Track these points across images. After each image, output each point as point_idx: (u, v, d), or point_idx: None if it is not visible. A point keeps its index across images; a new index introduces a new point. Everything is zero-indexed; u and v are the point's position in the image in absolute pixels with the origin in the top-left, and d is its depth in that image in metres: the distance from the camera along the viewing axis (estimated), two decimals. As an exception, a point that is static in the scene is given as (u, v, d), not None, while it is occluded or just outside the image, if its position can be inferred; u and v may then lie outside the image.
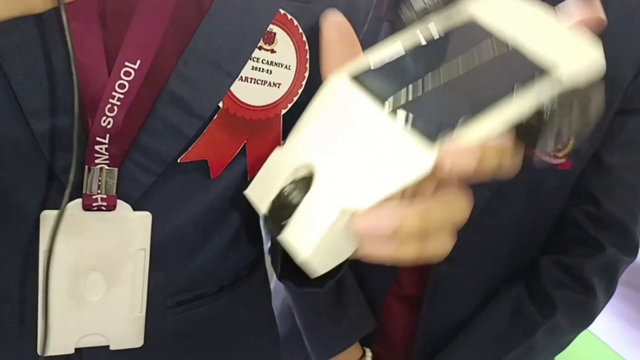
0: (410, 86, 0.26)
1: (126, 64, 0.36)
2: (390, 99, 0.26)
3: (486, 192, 0.64)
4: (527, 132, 0.25)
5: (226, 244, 0.44)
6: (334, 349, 0.74)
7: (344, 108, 0.26)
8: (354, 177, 0.25)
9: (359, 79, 0.27)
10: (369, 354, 0.77)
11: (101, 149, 0.36)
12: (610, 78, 0.62)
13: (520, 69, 0.26)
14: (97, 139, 0.36)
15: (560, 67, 0.25)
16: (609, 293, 0.69)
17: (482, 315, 0.69)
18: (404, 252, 0.25)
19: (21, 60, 0.33)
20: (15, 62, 0.33)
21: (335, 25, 0.29)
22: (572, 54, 0.26)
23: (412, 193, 0.28)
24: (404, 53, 0.27)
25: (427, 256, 0.26)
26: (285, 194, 0.26)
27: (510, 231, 0.69)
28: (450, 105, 0.25)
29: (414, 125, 0.25)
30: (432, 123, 0.25)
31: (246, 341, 0.49)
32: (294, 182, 0.26)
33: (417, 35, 0.28)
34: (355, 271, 0.76)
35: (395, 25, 0.53)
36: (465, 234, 0.67)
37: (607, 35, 0.62)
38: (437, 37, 0.28)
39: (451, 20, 0.28)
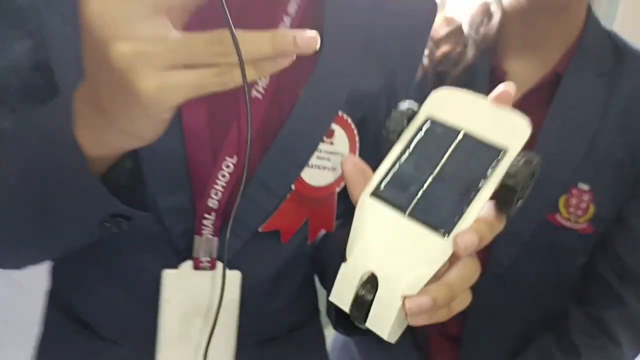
0: (414, 189, 0.36)
1: (226, 158, 0.48)
2: (405, 204, 0.36)
3: (512, 250, 0.74)
4: (501, 201, 0.36)
5: (294, 293, 0.55)
6: None
7: (376, 220, 0.37)
8: (402, 272, 0.35)
9: (377, 194, 0.37)
10: None
11: (207, 223, 0.48)
12: (636, 146, 0.73)
13: (483, 153, 0.36)
14: (205, 215, 0.48)
15: (510, 141, 0.35)
16: (637, 345, 0.75)
17: (516, 358, 0.78)
18: (438, 316, 0.36)
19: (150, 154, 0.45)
20: (146, 156, 0.45)
21: (351, 163, 0.40)
22: (511, 127, 0.36)
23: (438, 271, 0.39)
24: (397, 165, 0.37)
25: (454, 313, 0.37)
26: (360, 296, 0.36)
27: (535, 285, 0.77)
28: (447, 198, 0.35)
29: (427, 222, 0.35)
30: (441, 216, 0.35)
31: None
32: (362, 286, 0.36)
33: (400, 148, 0.38)
34: None
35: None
36: (493, 285, 0.77)
37: (628, 109, 0.73)
38: (415, 143, 0.38)
39: (418, 126, 0.38)
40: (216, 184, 0.48)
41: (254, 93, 0.49)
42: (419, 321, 0.35)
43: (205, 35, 0.30)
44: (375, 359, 0.85)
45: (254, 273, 0.52)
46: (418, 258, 0.35)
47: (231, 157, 0.48)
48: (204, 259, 0.49)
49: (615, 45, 0.76)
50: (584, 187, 0.73)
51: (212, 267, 0.49)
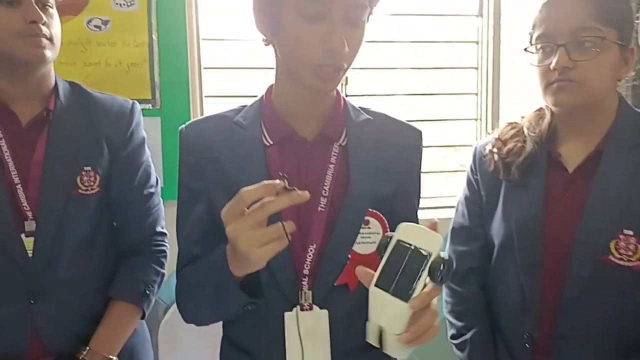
0: (392, 279, 0.69)
1: (310, 246, 0.88)
2: (389, 287, 0.69)
3: (577, 283, 0.93)
4: (432, 277, 0.66)
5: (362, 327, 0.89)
6: None
7: (378, 300, 0.70)
8: (393, 324, 0.70)
9: (376, 284, 0.70)
10: None
11: (304, 283, 0.87)
12: None
13: (421, 257, 0.67)
14: (302, 280, 0.87)
15: (432, 249, 0.67)
16: None
17: None
18: (418, 342, 0.68)
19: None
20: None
21: (361, 269, 0.73)
22: (433, 241, 0.68)
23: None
24: (383, 268, 0.70)
25: (428, 341, 0.70)
26: (380, 337, 0.72)
27: (606, 316, 0.94)
28: (406, 282, 0.67)
29: (399, 295, 0.67)
30: (405, 292, 0.67)
31: None
32: (379, 334, 0.72)
33: (385, 258, 0.70)
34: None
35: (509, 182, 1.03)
36: (571, 311, 1.01)
37: None
38: (389, 255, 0.70)
39: (393, 245, 0.70)
40: (306, 264, 0.88)
41: (320, 208, 0.89)
42: (409, 345, 0.68)
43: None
44: None
45: (335, 312, 0.88)
46: (399, 315, 0.69)
47: (312, 243, 0.88)
48: (306, 304, 0.87)
49: None
50: (629, 232, 0.91)
51: (310, 308, 0.87)
